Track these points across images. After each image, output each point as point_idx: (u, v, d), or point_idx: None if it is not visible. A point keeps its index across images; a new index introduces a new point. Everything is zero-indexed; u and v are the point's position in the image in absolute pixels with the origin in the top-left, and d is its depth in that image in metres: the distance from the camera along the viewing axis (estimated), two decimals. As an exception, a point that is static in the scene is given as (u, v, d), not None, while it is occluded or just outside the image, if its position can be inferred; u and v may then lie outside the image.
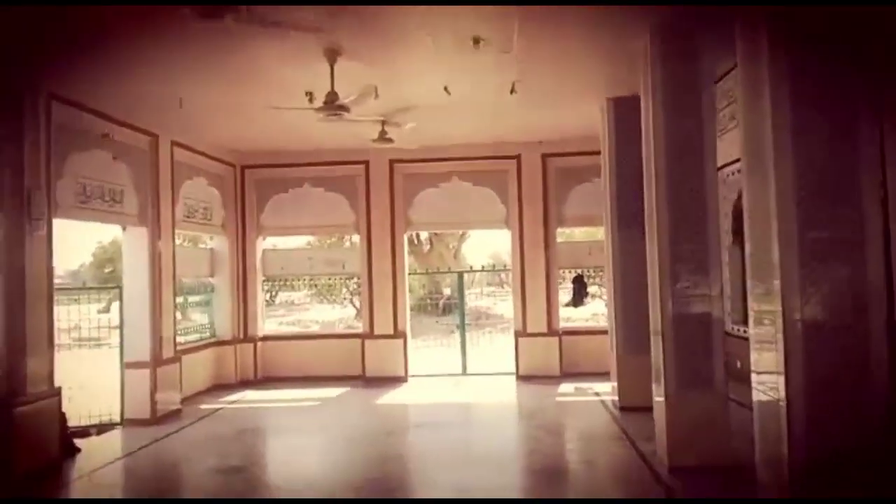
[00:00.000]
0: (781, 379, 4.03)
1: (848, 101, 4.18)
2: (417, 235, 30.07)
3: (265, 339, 11.96)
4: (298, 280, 12.66)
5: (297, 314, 25.85)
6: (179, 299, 10.90)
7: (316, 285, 14.01)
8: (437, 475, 6.44)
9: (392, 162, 11.52)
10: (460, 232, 28.88)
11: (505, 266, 12.50)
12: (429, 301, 22.42)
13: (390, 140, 9.43)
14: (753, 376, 4.60)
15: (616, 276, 8.61)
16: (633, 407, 8.31)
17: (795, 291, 4.04)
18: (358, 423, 8.79)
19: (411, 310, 23.43)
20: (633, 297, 8.53)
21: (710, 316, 6.14)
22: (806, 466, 3.96)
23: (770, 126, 4.23)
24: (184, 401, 9.67)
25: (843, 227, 4.05)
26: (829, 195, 4.08)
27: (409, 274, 13.27)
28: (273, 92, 7.84)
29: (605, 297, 18.40)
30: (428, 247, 30.06)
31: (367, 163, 11.56)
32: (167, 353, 9.39)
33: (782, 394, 4.04)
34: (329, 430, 8.24)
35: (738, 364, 9.36)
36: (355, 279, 11.75)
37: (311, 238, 16.00)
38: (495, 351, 12.75)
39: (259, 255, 12.05)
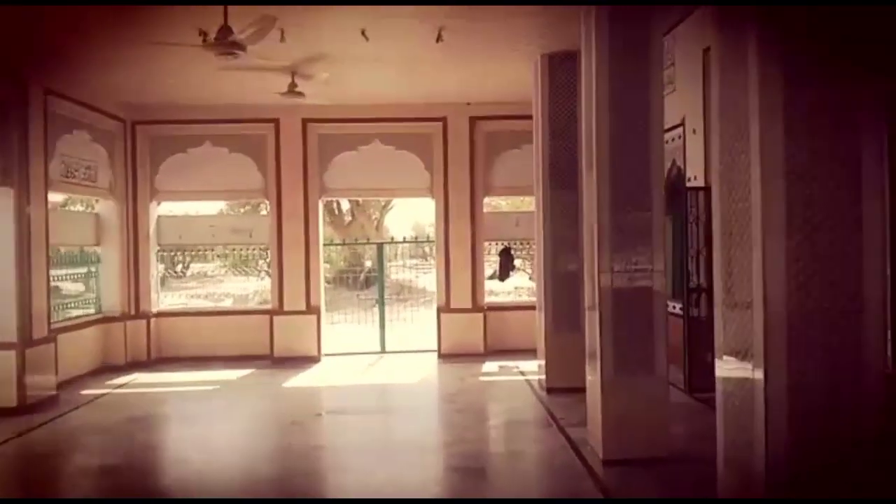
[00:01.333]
0: (759, 373, 3.43)
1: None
2: (338, 205, 28.95)
3: (160, 315, 10.75)
4: (211, 250, 11.45)
5: (210, 287, 24.29)
6: (60, 271, 9.57)
7: (227, 256, 12.89)
8: (345, 473, 5.65)
9: (305, 121, 10.45)
10: (383, 202, 28.04)
11: (428, 238, 11.68)
12: (349, 274, 21.42)
13: (300, 94, 8.43)
14: (718, 363, 4.00)
15: (546, 247, 7.98)
16: (560, 388, 7.77)
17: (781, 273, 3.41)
18: (260, 411, 7.87)
19: (330, 283, 22.39)
20: (565, 271, 7.96)
21: (653, 292, 5.55)
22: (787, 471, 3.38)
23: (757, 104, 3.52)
24: (62, 385, 8.45)
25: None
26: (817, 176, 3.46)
27: (326, 245, 12.32)
28: (162, 32, 6.67)
29: (530, 270, 18.06)
30: (349, 218, 28.99)
31: (276, 121, 10.45)
32: (39, 331, 8.12)
33: (759, 390, 3.44)
34: (226, 420, 7.27)
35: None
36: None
37: (222, 204, 14.77)
38: (417, 327, 12.00)
39: (153, 221, 10.77)
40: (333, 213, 28.72)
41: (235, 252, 11.55)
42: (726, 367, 3.92)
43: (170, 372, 9.84)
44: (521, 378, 8.94)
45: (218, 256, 12.48)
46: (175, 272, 17.41)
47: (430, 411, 7.49)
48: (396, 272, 21.11)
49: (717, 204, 4.03)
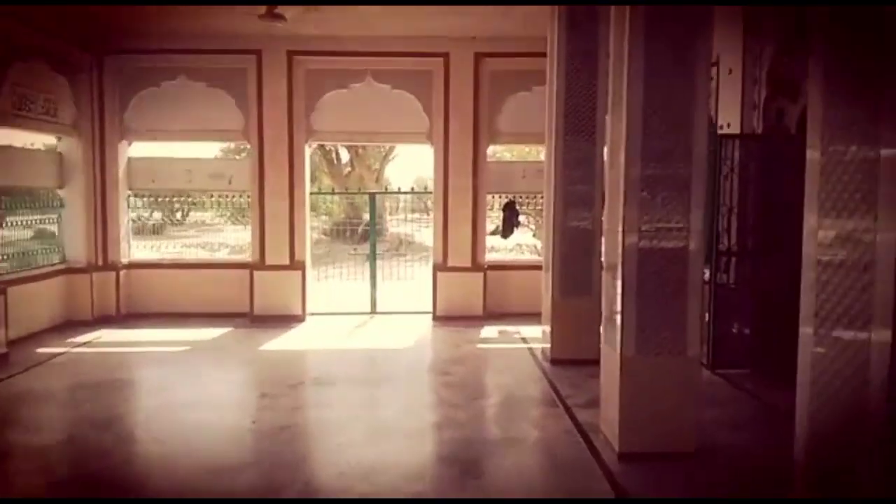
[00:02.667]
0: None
1: None
2: (337, 154, 27.81)
3: (130, 266, 9.84)
4: (209, 196, 10.45)
5: (209, 236, 23.35)
6: (16, 217, 8.64)
7: (221, 203, 11.79)
8: (315, 464, 4.81)
9: (291, 54, 9.34)
10: (384, 151, 26.91)
11: (426, 189, 10.66)
12: (347, 226, 20.48)
13: (281, 17, 7.34)
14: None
15: (557, 202, 7.00)
16: (567, 360, 6.96)
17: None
18: (231, 378, 7.02)
19: (327, 235, 21.49)
20: (577, 228, 7.00)
21: (687, 255, 4.59)
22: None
23: None
24: (16, 343, 7.61)
25: None
26: None
27: (314, 193, 11.36)
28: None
29: (534, 226, 17.04)
30: (348, 168, 27.87)
31: (258, 53, 9.33)
32: (-15, 282, 7.25)
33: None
34: (190, 389, 6.41)
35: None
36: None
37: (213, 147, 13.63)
38: (415, 285, 11.05)
39: (123, 163, 9.76)
40: (332, 163, 27.63)
41: (223, 199, 10.51)
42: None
43: (139, 329, 8.99)
44: (524, 346, 8.06)
45: (217, 204, 11.50)
46: (174, 220, 16.42)
47: (421, 384, 6.61)
48: (396, 226, 20.16)
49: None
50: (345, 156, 27.77)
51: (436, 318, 9.63)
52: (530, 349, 7.84)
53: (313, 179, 28.08)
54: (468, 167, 9.54)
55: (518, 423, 5.45)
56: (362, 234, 18.52)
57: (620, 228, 4.60)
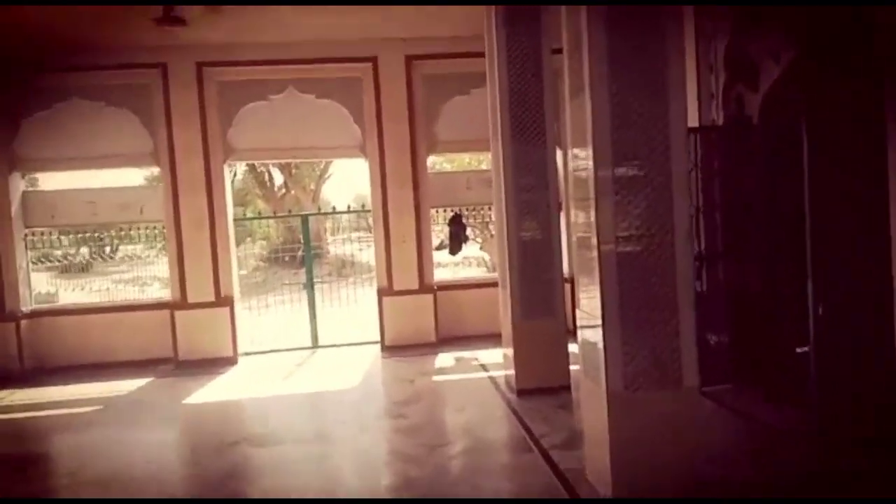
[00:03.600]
0: None
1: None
2: (269, 176, 26.55)
3: (33, 315, 8.60)
4: (139, 229, 9.27)
5: (140, 269, 21.66)
6: None
7: (149, 236, 10.55)
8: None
9: (200, 65, 8.35)
10: (318, 169, 25.85)
11: (363, 207, 9.79)
12: (286, 252, 19.39)
13: (181, 21, 6.41)
14: None
15: (509, 213, 6.25)
16: (534, 389, 6.19)
17: None
18: (151, 442, 5.93)
19: (265, 262, 20.23)
20: (533, 240, 6.27)
21: (675, 267, 3.89)
22: None
23: None
24: None
25: None
26: None
27: (240, 220, 10.38)
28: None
29: (480, 239, 16.33)
30: (283, 190, 26.65)
31: (163, 66, 8.31)
32: None
33: None
34: (103, 460, 5.35)
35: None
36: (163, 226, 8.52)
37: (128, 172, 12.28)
38: (360, 310, 10.11)
39: (16, 198, 8.55)
40: (264, 185, 26.37)
41: (139, 232, 9.36)
42: None
43: (46, 387, 7.79)
44: (484, 375, 7.26)
45: (145, 237, 10.30)
46: (103, 255, 15.01)
47: (372, 433, 5.68)
48: (338, 247, 19.12)
49: None
50: (278, 177, 26.58)
51: (385, 348, 8.75)
52: (492, 378, 7.05)
53: (246, 203, 26.90)
54: (407, 180, 8.73)
55: (489, 478, 4.61)
56: (301, 258, 17.52)
57: (595, 240, 3.86)
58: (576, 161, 4.14)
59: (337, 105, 8.65)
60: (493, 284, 8.75)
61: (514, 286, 6.23)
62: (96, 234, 9.57)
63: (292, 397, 6.96)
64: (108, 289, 13.69)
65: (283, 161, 17.85)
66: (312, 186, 26.67)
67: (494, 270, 17.00)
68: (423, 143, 8.79)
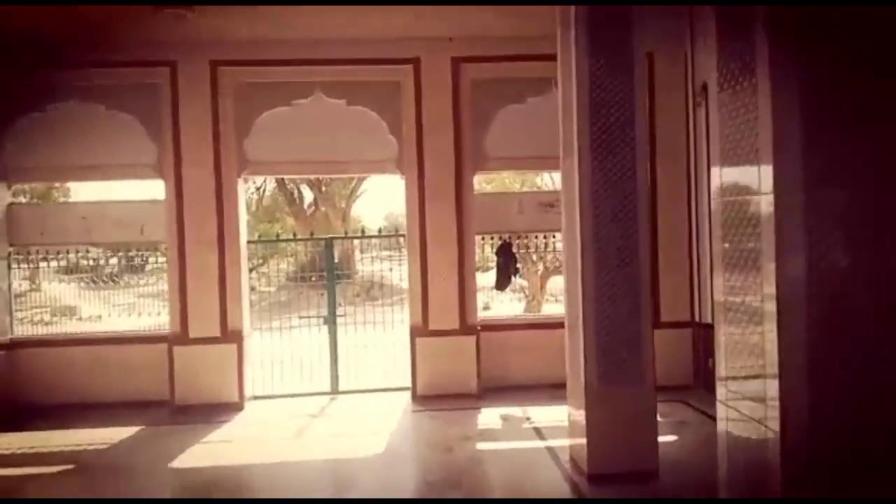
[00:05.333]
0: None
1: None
2: (299, 193, 25.56)
3: (13, 346, 7.48)
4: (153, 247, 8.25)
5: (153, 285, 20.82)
6: None
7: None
8: None
9: (214, 64, 7.23)
10: (349, 187, 24.81)
11: (397, 231, 8.51)
12: (311, 272, 18.31)
13: (188, 8, 5.25)
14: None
15: (585, 243, 4.89)
16: (611, 475, 4.77)
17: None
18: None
19: (291, 280, 19.13)
20: (620, 281, 4.90)
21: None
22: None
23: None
24: None
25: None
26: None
27: (254, 242, 9.22)
28: None
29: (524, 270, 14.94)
30: (312, 208, 25.63)
31: (172, 64, 7.20)
32: None
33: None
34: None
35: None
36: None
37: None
38: (389, 340, 8.66)
39: (1, 211, 7.48)
40: (293, 202, 25.38)
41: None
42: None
43: (17, 433, 6.61)
44: (540, 444, 5.86)
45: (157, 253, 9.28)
46: (133, 265, 14.13)
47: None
48: (368, 264, 17.91)
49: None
50: (308, 194, 25.61)
51: (416, 397, 7.42)
52: (550, 450, 5.65)
53: (274, 221, 25.95)
54: (450, 202, 7.45)
55: None
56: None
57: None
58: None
59: (371, 113, 7.43)
60: (547, 325, 7.55)
61: (589, 338, 4.85)
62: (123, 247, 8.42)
63: (301, 466, 5.60)
64: (132, 303, 12.67)
65: (306, 176, 16.66)
66: (343, 204, 25.64)
67: (532, 300, 15.68)
68: (470, 158, 7.51)
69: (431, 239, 7.45)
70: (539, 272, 16.13)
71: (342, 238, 8.87)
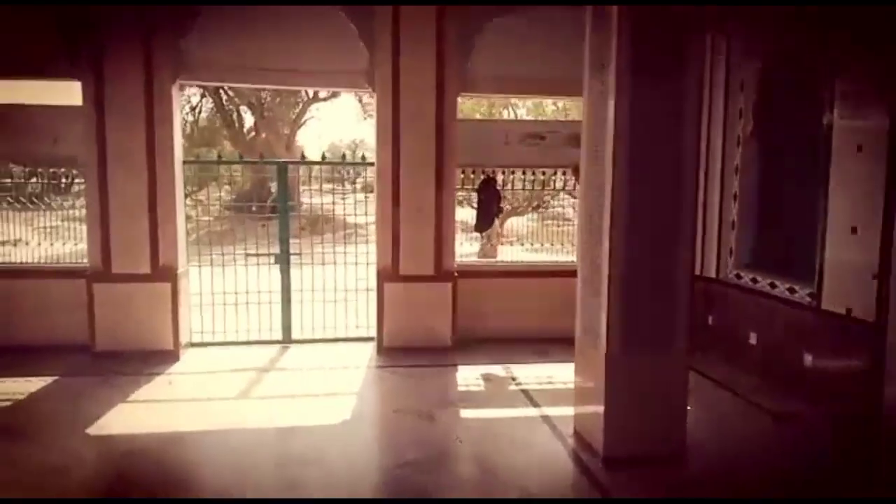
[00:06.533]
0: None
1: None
2: (238, 116, 23.63)
3: None
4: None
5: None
6: None
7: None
8: None
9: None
10: (293, 114, 23.12)
11: (364, 158, 7.37)
12: (253, 200, 17.00)
13: None
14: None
15: (618, 184, 3.95)
16: (630, 458, 4.01)
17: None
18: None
19: (229, 210, 17.67)
20: (655, 230, 4.04)
21: None
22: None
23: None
24: None
25: None
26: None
27: (191, 162, 7.93)
28: None
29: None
30: (252, 133, 23.80)
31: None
32: None
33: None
34: None
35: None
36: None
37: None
38: (337, 274, 7.51)
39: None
40: (232, 125, 23.48)
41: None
42: None
43: None
44: (534, 412, 5.06)
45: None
46: (59, 188, 12.31)
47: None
48: (310, 197, 16.63)
49: None
50: (249, 119, 23.75)
51: (381, 349, 6.50)
52: (547, 420, 4.87)
53: (212, 144, 23.99)
54: (429, 127, 6.37)
55: None
56: (272, 208, 15.03)
57: None
58: None
59: (339, 14, 6.19)
60: (530, 273, 6.76)
61: (613, 301, 3.99)
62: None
63: (247, 436, 4.61)
64: (56, 226, 11.05)
65: (256, 86, 14.94)
66: (286, 131, 23.98)
67: (487, 242, 14.82)
68: (454, 76, 6.41)
69: (406, 169, 6.39)
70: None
71: (298, 163, 7.56)
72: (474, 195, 7.25)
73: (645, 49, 3.81)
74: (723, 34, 5.95)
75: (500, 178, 7.11)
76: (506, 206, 9.19)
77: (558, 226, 14.57)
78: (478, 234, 15.13)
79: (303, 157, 6.96)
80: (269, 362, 6.28)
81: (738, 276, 6.24)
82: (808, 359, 5.12)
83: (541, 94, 8.41)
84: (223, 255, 7.01)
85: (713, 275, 6.50)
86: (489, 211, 6.86)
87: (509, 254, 13.46)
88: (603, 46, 3.97)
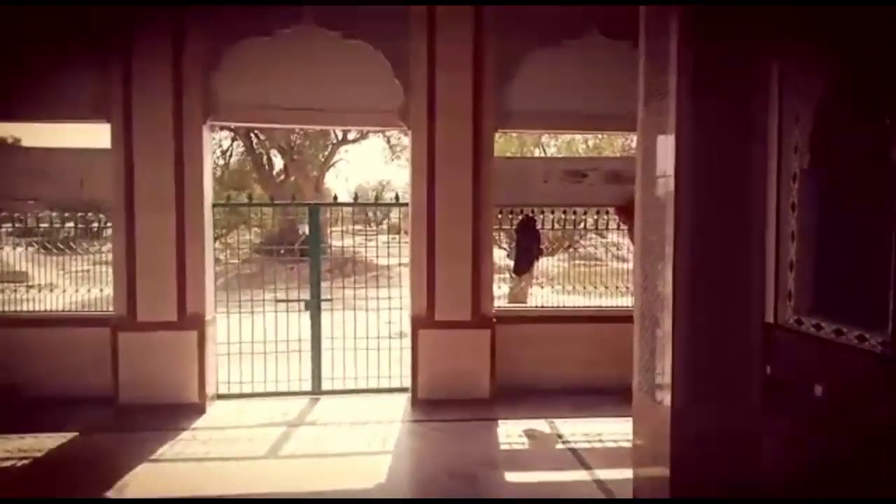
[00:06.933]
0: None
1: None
2: (268, 159, 23.79)
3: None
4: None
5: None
6: None
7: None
8: None
9: (174, -23, 5.69)
10: (322, 156, 23.23)
11: (397, 198, 7.06)
12: (280, 244, 16.89)
13: None
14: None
15: (682, 219, 3.57)
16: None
17: None
18: None
19: (258, 253, 17.60)
20: (723, 268, 3.66)
21: None
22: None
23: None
24: None
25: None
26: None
27: (220, 205, 7.72)
28: None
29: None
30: (282, 175, 23.90)
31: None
32: None
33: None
34: None
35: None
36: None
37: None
38: (377, 328, 7.15)
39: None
40: (261, 168, 23.63)
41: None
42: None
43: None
44: (585, 476, 4.61)
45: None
46: (89, 228, 12.31)
47: None
48: (338, 238, 16.45)
49: None
50: (278, 162, 23.88)
51: (416, 402, 6.11)
52: (602, 487, 4.42)
53: (242, 187, 24.14)
54: (465, 165, 6.09)
55: None
56: (301, 251, 14.87)
57: None
58: None
59: (371, 49, 5.99)
60: (572, 318, 6.38)
61: (679, 347, 3.58)
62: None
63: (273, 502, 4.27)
64: (88, 270, 10.91)
65: (285, 126, 14.89)
66: (315, 173, 24.08)
67: (517, 286, 14.39)
68: (491, 112, 6.15)
69: (441, 210, 6.09)
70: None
71: (331, 205, 7.29)
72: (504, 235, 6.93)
73: (709, 71, 3.48)
74: (776, 56, 5.58)
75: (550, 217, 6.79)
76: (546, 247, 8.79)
77: (587, 266, 14.15)
78: (508, 276, 14.78)
79: (335, 198, 6.66)
80: (298, 416, 5.93)
81: (799, 322, 5.74)
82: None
83: (579, 129, 8.07)
84: (252, 300, 6.72)
85: (770, 320, 6.02)
86: (529, 252, 6.52)
87: (539, 297, 13.01)
88: (661, 70, 3.66)
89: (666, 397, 3.63)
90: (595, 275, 13.04)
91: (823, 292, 5.75)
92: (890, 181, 4.50)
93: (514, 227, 6.64)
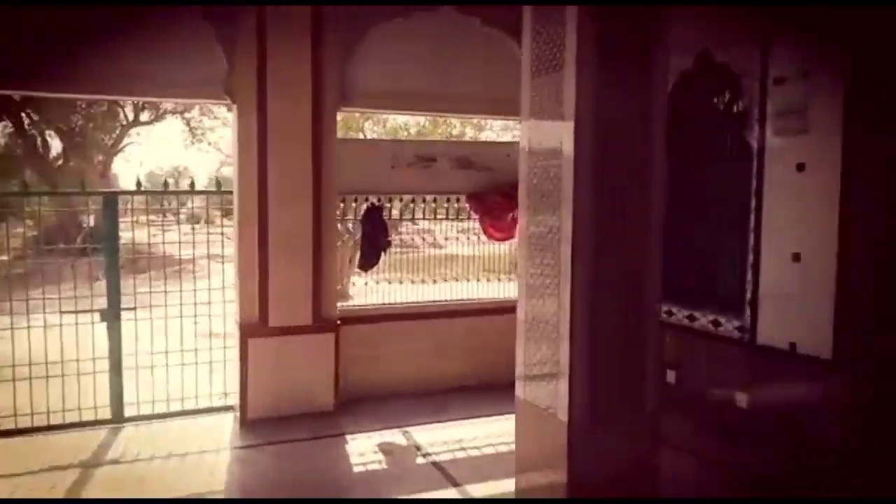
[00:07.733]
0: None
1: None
2: (43, 141, 20.37)
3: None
4: None
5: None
6: None
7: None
8: None
9: None
10: (109, 140, 20.55)
11: (219, 187, 5.98)
12: (59, 237, 14.56)
13: None
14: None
15: (580, 207, 3.17)
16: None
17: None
18: None
19: (31, 248, 15.00)
20: (623, 270, 3.34)
21: None
22: None
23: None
24: None
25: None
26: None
27: (12, 195, 6.15)
28: None
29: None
30: (60, 160, 20.66)
31: None
32: None
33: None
34: None
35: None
36: None
37: None
38: (178, 328, 5.93)
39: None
40: (35, 151, 20.19)
41: None
42: None
43: None
44: (453, 493, 4.12)
45: None
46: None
47: None
48: (125, 228, 14.49)
49: None
50: (56, 144, 20.61)
51: (246, 422, 5.22)
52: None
53: (10, 174, 20.40)
54: (304, 147, 5.30)
55: None
56: (83, 244, 12.78)
57: None
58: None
59: (197, 16, 4.96)
60: (421, 315, 5.93)
61: (578, 350, 3.20)
62: None
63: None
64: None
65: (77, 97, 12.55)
66: (101, 157, 21.28)
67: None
68: (333, 89, 5.42)
69: (275, 198, 5.25)
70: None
71: (134, 193, 5.91)
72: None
73: (611, 50, 3.12)
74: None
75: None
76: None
77: (402, 254, 13.84)
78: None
79: (138, 185, 5.47)
80: (95, 453, 4.73)
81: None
82: (741, 399, 4.68)
83: (432, 110, 7.39)
84: (27, 309, 5.29)
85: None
86: (375, 244, 5.87)
87: (367, 290, 12.43)
88: (555, 48, 3.23)
89: (560, 405, 3.23)
90: (411, 262, 12.71)
91: (675, 278, 5.79)
92: (742, 163, 4.53)
93: (358, 218, 5.95)
